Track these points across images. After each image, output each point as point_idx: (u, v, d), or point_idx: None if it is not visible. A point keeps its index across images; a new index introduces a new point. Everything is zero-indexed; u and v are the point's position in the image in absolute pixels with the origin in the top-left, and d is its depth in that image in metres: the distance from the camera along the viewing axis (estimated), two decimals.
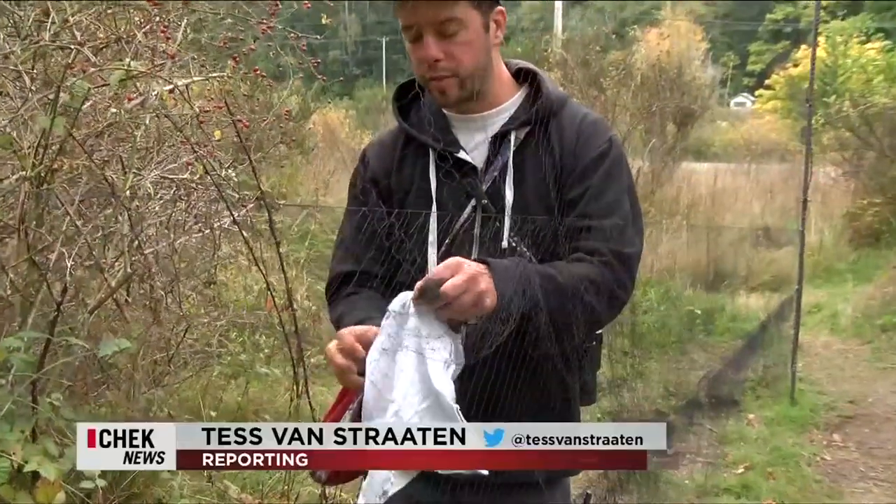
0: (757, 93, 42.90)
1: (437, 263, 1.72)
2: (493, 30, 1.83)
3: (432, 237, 1.83)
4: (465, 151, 1.86)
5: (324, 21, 4.41)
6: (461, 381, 1.61)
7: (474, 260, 1.62)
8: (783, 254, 11.79)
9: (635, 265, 1.81)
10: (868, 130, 13.54)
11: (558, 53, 13.00)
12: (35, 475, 2.32)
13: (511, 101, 1.91)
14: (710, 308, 8.99)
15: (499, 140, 1.85)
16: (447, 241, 1.83)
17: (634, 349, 6.77)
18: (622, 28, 23.60)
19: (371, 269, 1.90)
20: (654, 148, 13.25)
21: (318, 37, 4.02)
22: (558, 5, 23.22)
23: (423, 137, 1.89)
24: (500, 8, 1.84)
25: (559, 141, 1.84)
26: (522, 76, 1.96)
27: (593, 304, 1.70)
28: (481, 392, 1.64)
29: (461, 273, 1.56)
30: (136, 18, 3.11)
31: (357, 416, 1.67)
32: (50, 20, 2.79)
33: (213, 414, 3.91)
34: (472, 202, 1.83)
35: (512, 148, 1.84)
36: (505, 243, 1.79)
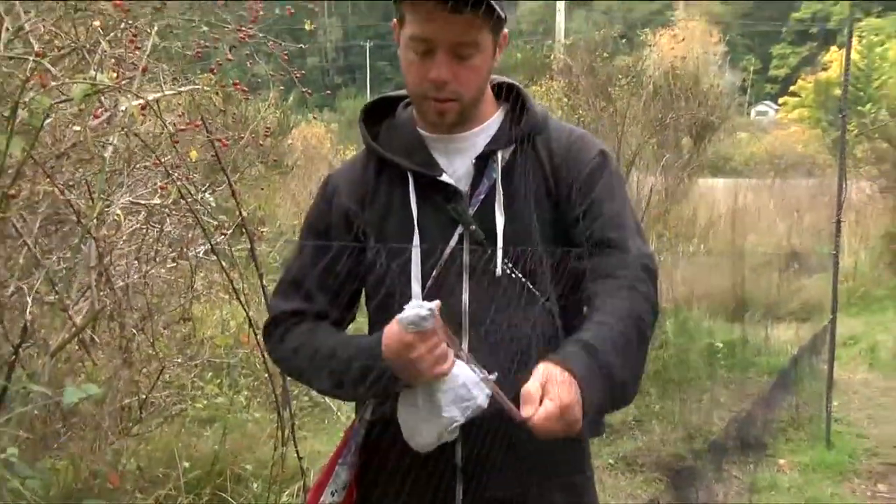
0: (781, 100, 43.28)
1: (424, 299, 1.74)
2: (497, 53, 1.87)
3: (416, 270, 1.83)
4: (447, 174, 1.87)
5: (307, 27, 4.39)
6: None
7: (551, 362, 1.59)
8: (814, 280, 11.75)
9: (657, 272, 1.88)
10: None
11: (561, 60, 13.05)
12: None
13: (493, 119, 1.94)
14: (732, 341, 8.95)
15: (483, 161, 1.87)
16: (434, 273, 1.83)
17: (650, 387, 6.77)
18: (631, 31, 23.73)
19: (325, 312, 1.91)
20: (668, 163, 13.27)
21: (304, 45, 4.03)
22: (560, 6, 23.44)
23: (399, 160, 1.89)
24: (505, 31, 1.87)
25: (548, 157, 1.90)
26: (502, 93, 1.99)
27: (648, 334, 1.78)
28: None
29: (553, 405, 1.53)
30: (96, 23, 3.07)
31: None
32: (3, 27, 2.73)
33: (187, 465, 3.88)
34: (459, 230, 1.84)
35: (499, 169, 1.86)
36: (499, 271, 1.81)
